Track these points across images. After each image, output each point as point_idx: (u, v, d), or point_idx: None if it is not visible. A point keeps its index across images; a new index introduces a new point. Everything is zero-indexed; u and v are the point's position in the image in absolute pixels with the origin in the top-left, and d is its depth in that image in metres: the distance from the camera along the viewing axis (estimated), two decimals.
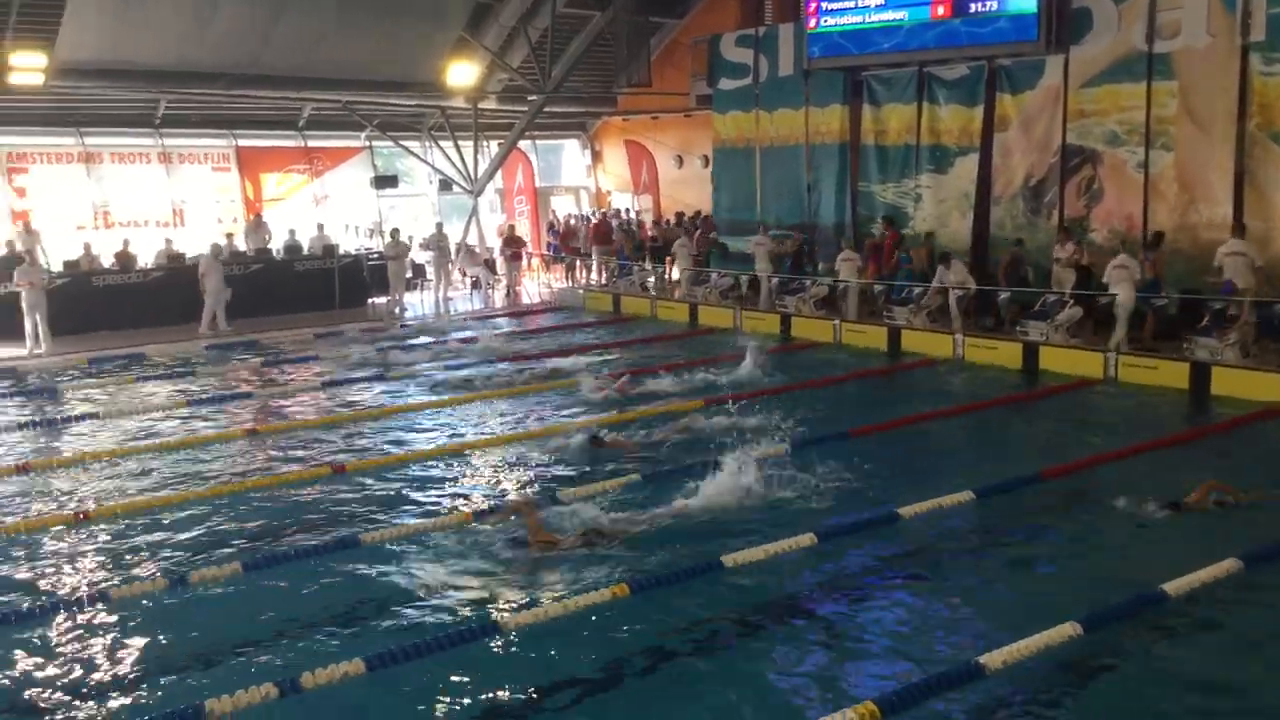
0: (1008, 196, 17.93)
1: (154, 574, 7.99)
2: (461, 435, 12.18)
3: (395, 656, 6.34)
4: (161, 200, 23.73)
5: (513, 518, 8.71)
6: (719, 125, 22.88)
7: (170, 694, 6.21)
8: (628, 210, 28.42)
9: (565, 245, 26.26)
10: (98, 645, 6.93)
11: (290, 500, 9.78)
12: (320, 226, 23.83)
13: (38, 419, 13.22)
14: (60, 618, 7.26)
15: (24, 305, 17.63)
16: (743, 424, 11.86)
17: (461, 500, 9.70)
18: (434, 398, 13.96)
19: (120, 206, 23.18)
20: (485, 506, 9.20)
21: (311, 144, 25.84)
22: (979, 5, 17.13)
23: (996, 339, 15.92)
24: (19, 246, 19.97)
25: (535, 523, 8.39)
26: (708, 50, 22.87)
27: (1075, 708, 6.04)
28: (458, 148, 25.50)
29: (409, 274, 23.32)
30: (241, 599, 7.54)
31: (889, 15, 18.30)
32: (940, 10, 17.56)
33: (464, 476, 10.54)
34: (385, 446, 11.69)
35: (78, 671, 6.58)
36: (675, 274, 22.91)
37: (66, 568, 8.29)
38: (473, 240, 25.77)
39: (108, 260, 20.78)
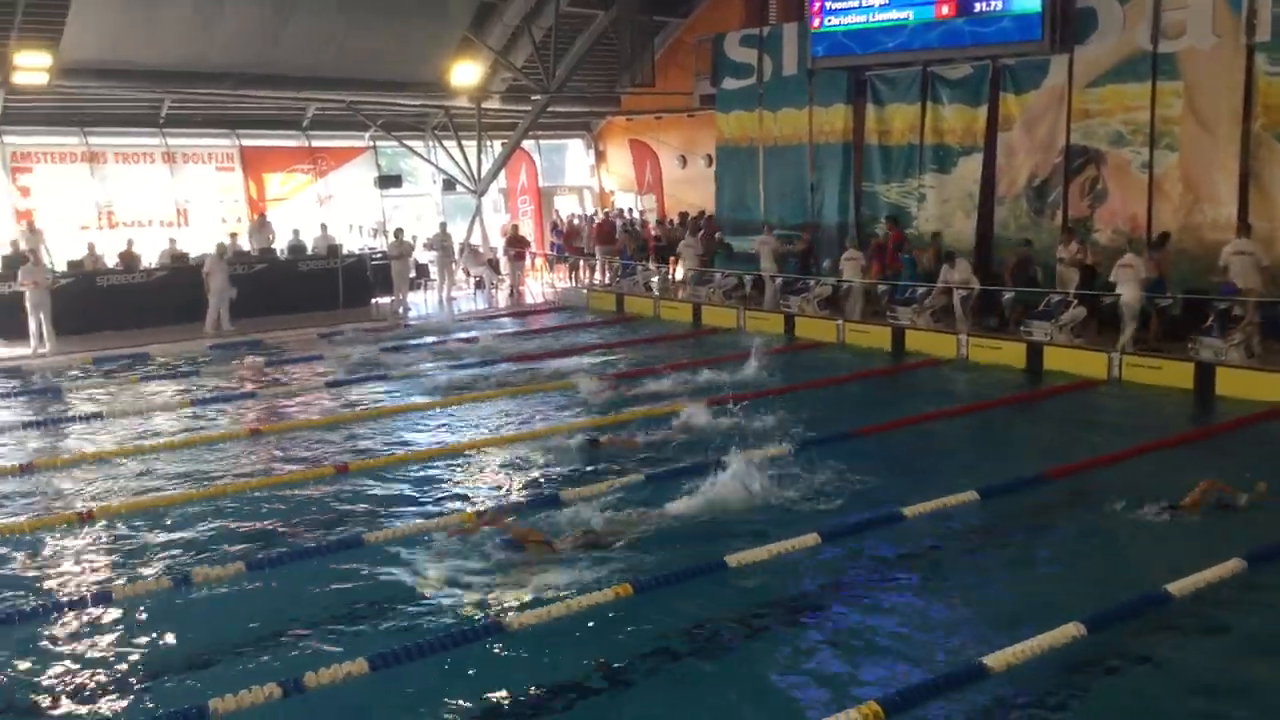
0: (1011, 196, 17.92)
1: (157, 573, 7.99)
2: (464, 435, 12.18)
3: (398, 656, 6.35)
4: (165, 200, 23.74)
5: (486, 528, 8.59)
6: (723, 125, 22.87)
7: (174, 693, 6.22)
8: (631, 210, 28.41)
9: (569, 245, 26.26)
10: (101, 644, 6.93)
11: (293, 500, 9.79)
12: (324, 226, 23.83)
13: (42, 418, 13.24)
14: (64, 617, 7.27)
15: (28, 305, 17.65)
16: (746, 424, 11.89)
17: (464, 500, 9.70)
18: (437, 398, 13.95)
19: (124, 206, 23.19)
20: (458, 523, 8.83)
21: (315, 144, 25.84)
22: (983, 5, 17.11)
23: (1000, 339, 15.90)
24: (23, 246, 20.01)
25: (522, 531, 8.33)
26: (711, 50, 22.87)
27: (1079, 708, 6.03)
28: (461, 147, 25.50)
29: (413, 274, 23.34)
30: (245, 598, 7.55)
31: (893, 15, 18.29)
32: (944, 10, 17.55)
33: (467, 476, 10.55)
34: (388, 446, 11.70)
35: (81, 670, 6.58)
36: (680, 274, 22.92)
37: (70, 567, 8.30)
38: (476, 240, 25.78)
39: (112, 260, 20.79)
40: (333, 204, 25.84)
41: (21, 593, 7.77)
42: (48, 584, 7.95)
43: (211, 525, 9.09)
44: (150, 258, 21.35)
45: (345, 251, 23.01)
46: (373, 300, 22.72)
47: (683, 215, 25.31)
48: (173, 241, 21.90)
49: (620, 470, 10.32)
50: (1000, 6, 16.93)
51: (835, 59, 19.55)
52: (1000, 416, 13.12)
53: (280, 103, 24.23)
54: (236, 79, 21.63)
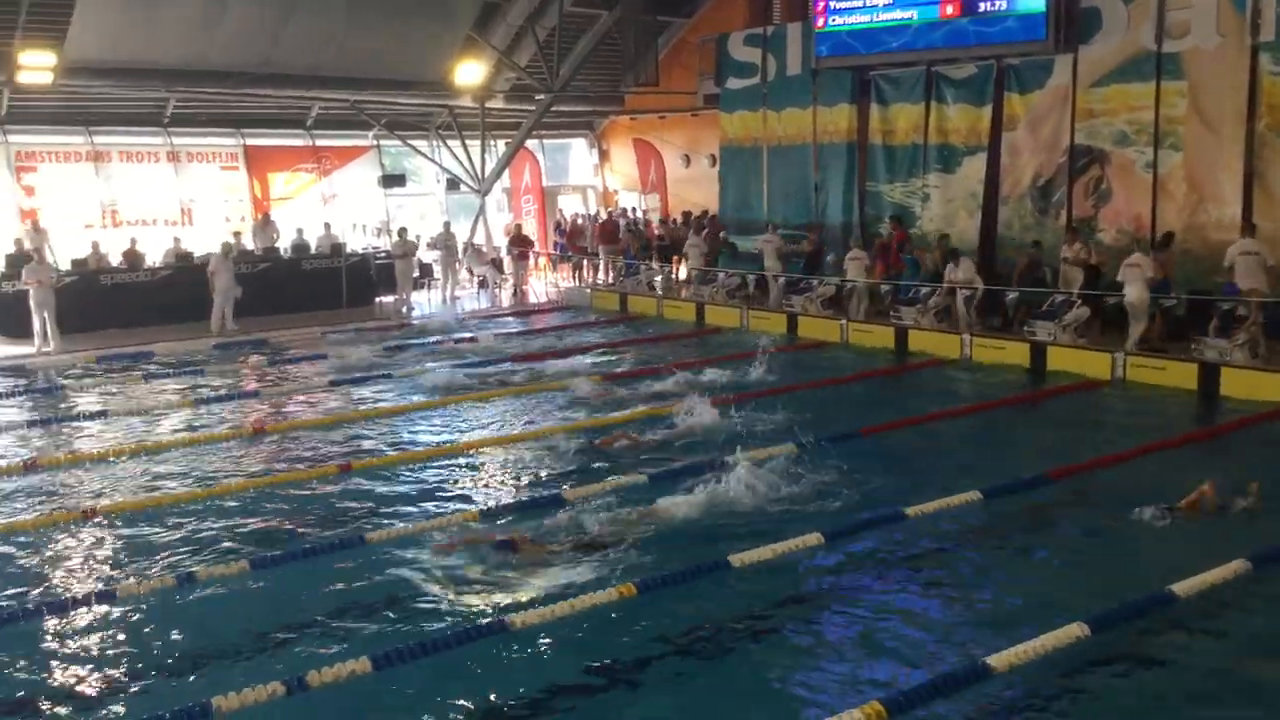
0: (1015, 196, 17.90)
1: (161, 571, 8.00)
2: (467, 435, 12.18)
3: (401, 655, 6.35)
4: (170, 199, 23.77)
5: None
6: (726, 124, 22.87)
7: (178, 691, 6.22)
8: (634, 209, 28.41)
9: (572, 244, 26.27)
10: (105, 642, 6.94)
11: (296, 498, 9.79)
12: (327, 225, 23.87)
13: (45, 417, 13.26)
14: (67, 615, 7.28)
15: (32, 303, 17.68)
16: (749, 423, 11.89)
17: (467, 500, 9.71)
18: (440, 397, 13.95)
19: (128, 205, 23.22)
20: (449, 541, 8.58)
21: (319, 143, 25.87)
22: (987, 5, 17.10)
23: (1004, 339, 15.89)
24: (27, 245, 20.04)
25: (518, 539, 8.30)
26: (715, 49, 22.87)
27: (1082, 709, 6.02)
28: (465, 147, 25.53)
29: (416, 273, 23.35)
30: (248, 597, 7.55)
31: (897, 14, 18.27)
32: (949, 10, 17.53)
33: (470, 476, 10.55)
34: (391, 446, 11.70)
35: (85, 668, 6.59)
36: (683, 273, 22.93)
37: (73, 565, 8.31)
38: (480, 239, 25.80)
39: (116, 259, 20.82)
40: (337, 203, 25.86)
41: (25, 591, 7.78)
42: (51, 582, 7.96)
43: (215, 524, 9.10)
44: (154, 257, 21.39)
45: (349, 251, 23.04)
46: (376, 299, 22.73)
47: (686, 215, 25.31)
48: (177, 240, 21.92)
49: (622, 470, 10.31)
50: (1005, 6, 16.91)
51: (839, 59, 19.53)
52: (1003, 417, 13.10)
53: (284, 102, 24.26)
54: (241, 78, 21.65)
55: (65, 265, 20.07)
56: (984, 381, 14.65)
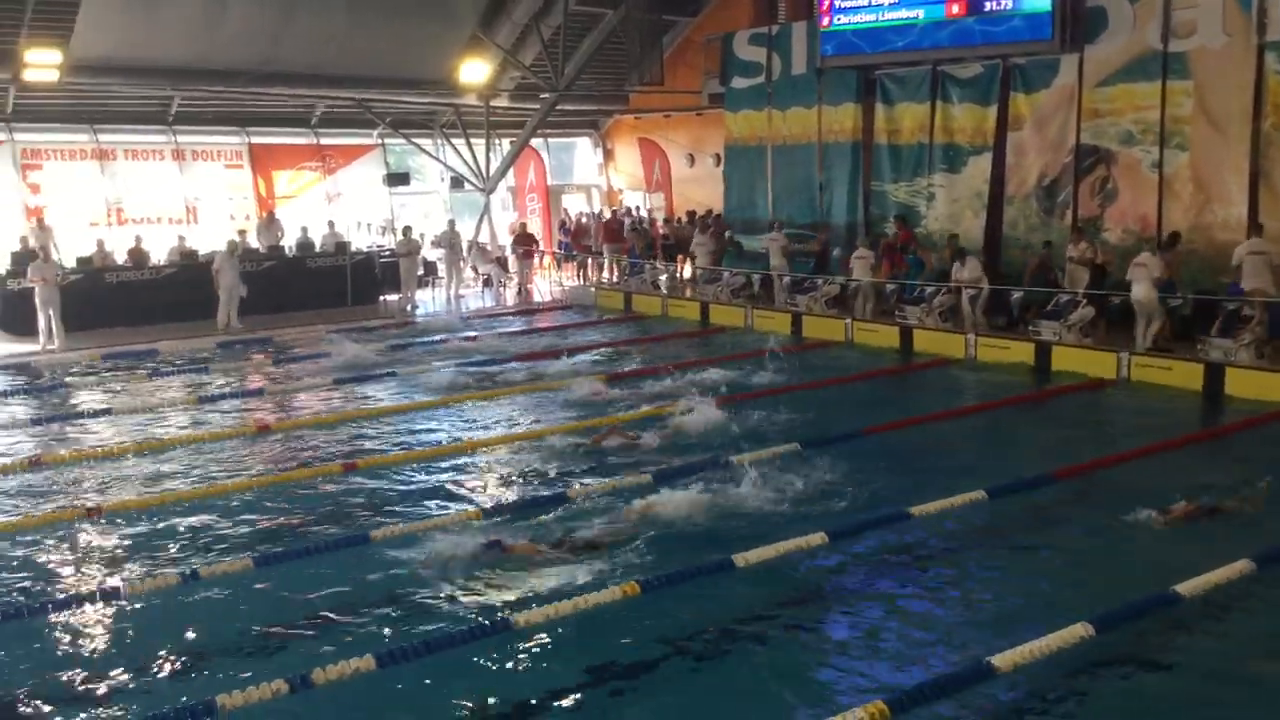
0: (1021, 196, 17.87)
1: (165, 569, 8.00)
2: (471, 433, 12.18)
3: (405, 653, 6.35)
4: (175, 197, 23.81)
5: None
6: (731, 124, 22.85)
7: (182, 689, 6.23)
8: (639, 208, 28.41)
9: (576, 243, 26.26)
10: (109, 640, 6.96)
11: (300, 497, 9.80)
12: (331, 224, 23.89)
13: (50, 414, 13.29)
14: (72, 612, 7.29)
15: (38, 301, 17.70)
16: (753, 423, 11.90)
17: (471, 498, 9.71)
18: (444, 396, 13.95)
19: (133, 203, 23.27)
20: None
21: (324, 141, 25.89)
22: (993, 4, 17.04)
23: (1009, 339, 15.87)
24: (33, 243, 20.02)
25: (516, 548, 8.27)
26: (720, 48, 22.84)
27: (1086, 709, 6.01)
28: (470, 145, 25.53)
29: (421, 271, 23.36)
30: (252, 595, 7.56)
31: (903, 14, 18.23)
32: (954, 9, 17.49)
33: (474, 474, 10.56)
34: (395, 444, 11.71)
35: (89, 666, 6.60)
36: (688, 272, 22.93)
37: (79, 563, 8.32)
38: (484, 238, 25.80)
39: (121, 257, 20.86)
40: (341, 201, 25.89)
41: (29, 588, 7.79)
42: (55, 580, 7.97)
43: (218, 522, 9.11)
44: (159, 255, 21.43)
45: (354, 249, 23.05)
46: (381, 298, 22.75)
47: (690, 214, 25.31)
48: (181, 239, 21.94)
49: (623, 469, 10.31)
50: (1010, 6, 16.87)
51: (844, 58, 19.49)
52: (1008, 416, 13.09)
53: (289, 100, 24.28)
54: (246, 76, 21.68)
55: (70, 263, 20.11)
56: (989, 381, 14.63)
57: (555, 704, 6.08)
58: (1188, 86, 15.67)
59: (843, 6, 19.05)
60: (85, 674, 6.49)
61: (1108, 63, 16.54)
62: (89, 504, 9.54)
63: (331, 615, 7.21)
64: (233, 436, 12.07)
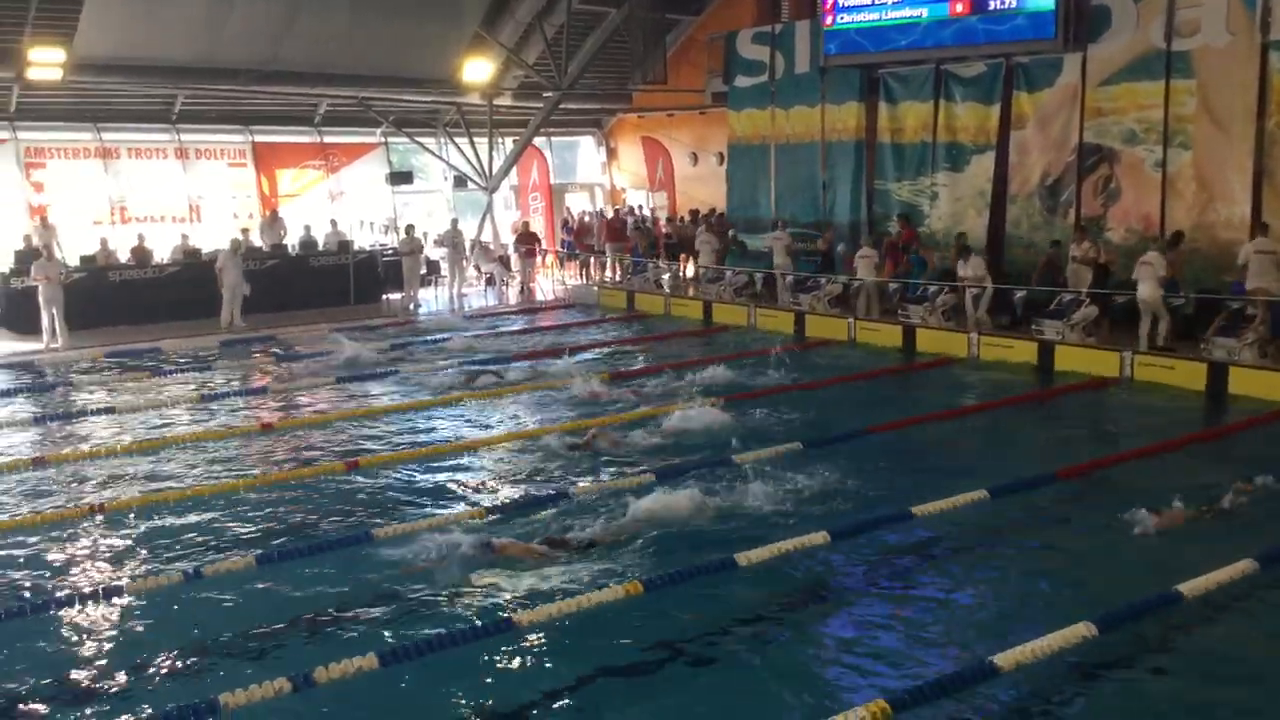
0: (1024, 195, 17.86)
1: (168, 567, 8.01)
2: (473, 432, 12.19)
3: (408, 652, 6.36)
4: (178, 195, 23.83)
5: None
6: (734, 122, 22.84)
7: (184, 687, 6.24)
8: (642, 207, 28.41)
9: (579, 242, 26.26)
10: (111, 638, 6.97)
11: (303, 495, 9.81)
12: (334, 222, 23.90)
13: (54, 413, 13.31)
14: (75, 611, 7.30)
15: (41, 299, 17.72)
16: (755, 422, 11.89)
17: (474, 497, 9.71)
18: (447, 394, 13.96)
19: (137, 201, 23.28)
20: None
21: (327, 140, 25.89)
22: (997, 3, 17.03)
23: (1012, 338, 15.85)
24: (36, 241, 20.07)
25: (507, 548, 8.27)
26: (724, 47, 22.85)
27: (1088, 708, 6.02)
28: (473, 144, 25.54)
29: (424, 270, 23.37)
30: (255, 593, 7.56)
31: (906, 12, 18.21)
32: (958, 8, 17.48)
33: (475, 473, 10.56)
34: (398, 443, 11.71)
35: (92, 664, 6.62)
36: (691, 271, 22.92)
37: (81, 561, 8.33)
38: (487, 237, 25.81)
39: (124, 255, 20.90)
40: (344, 200, 25.91)
41: (32, 586, 7.80)
42: (58, 578, 7.98)
43: (222, 520, 9.12)
44: (162, 253, 21.45)
45: (357, 247, 23.07)
46: (384, 297, 22.78)
47: (693, 213, 25.31)
48: (185, 237, 21.99)
49: (625, 469, 10.31)
50: (1014, 4, 16.85)
51: (848, 57, 19.49)
52: (1011, 416, 13.08)
53: (292, 99, 24.29)
54: (249, 75, 21.70)
55: (74, 261, 20.13)
56: (991, 380, 14.62)
57: (556, 703, 6.08)
58: (1191, 85, 15.66)
59: (846, 5, 19.04)
60: (88, 672, 6.51)
61: (1111, 61, 16.52)
62: (92, 502, 9.55)
63: (334, 614, 7.22)
64: (235, 435, 12.08)
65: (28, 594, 7.62)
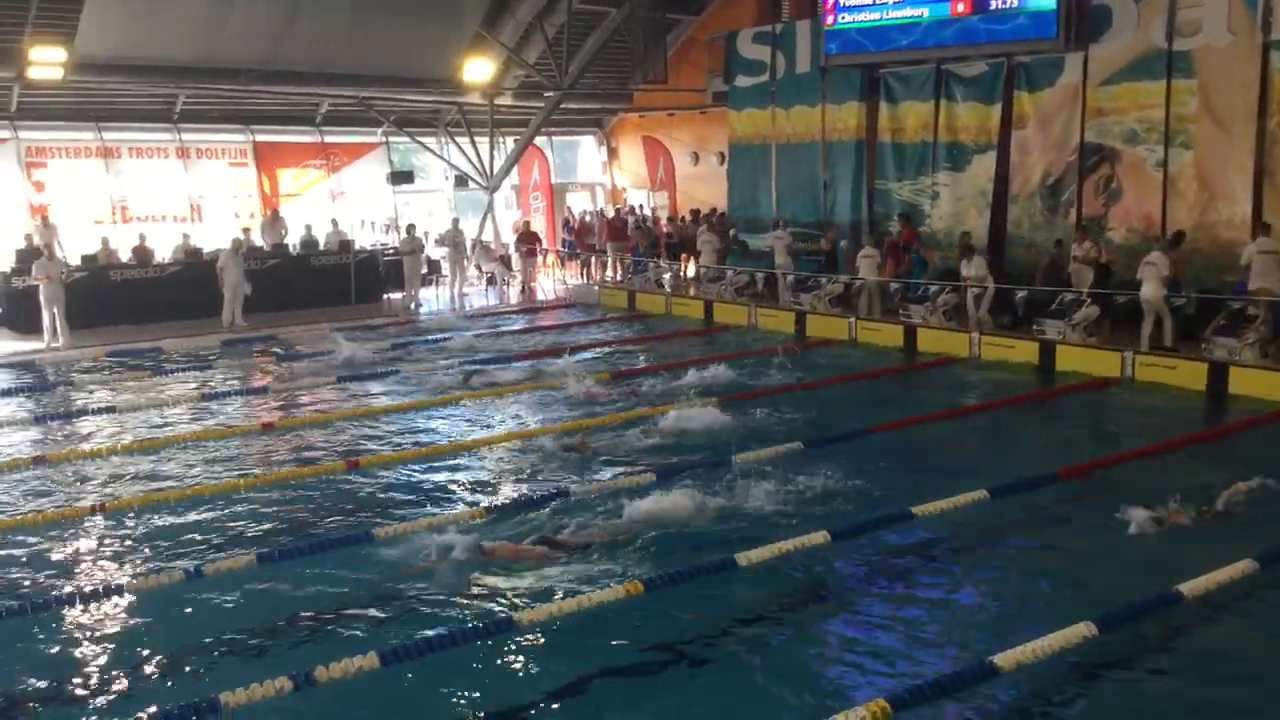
0: (1025, 195, 17.86)
1: (169, 566, 8.01)
2: (474, 432, 12.19)
3: (409, 651, 6.36)
4: (179, 195, 23.83)
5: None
6: (735, 122, 22.84)
7: (185, 686, 6.24)
8: (643, 207, 28.41)
9: (580, 242, 26.26)
10: (113, 637, 6.97)
11: (304, 494, 9.81)
12: (335, 222, 23.90)
13: (55, 412, 13.31)
14: (76, 610, 7.31)
15: (42, 299, 17.72)
16: (757, 422, 11.89)
17: (473, 497, 9.71)
18: (447, 394, 13.97)
19: (138, 201, 23.28)
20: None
21: (328, 139, 25.89)
22: (998, 2, 17.03)
23: (1013, 338, 15.85)
24: (38, 240, 20.08)
25: (498, 550, 8.22)
26: (724, 47, 22.85)
27: (1089, 708, 6.02)
28: (474, 144, 25.54)
29: (424, 269, 23.37)
30: (256, 592, 7.56)
31: (907, 12, 18.21)
32: (959, 7, 17.48)
33: (476, 473, 10.56)
34: (398, 442, 11.71)
35: (94, 663, 6.62)
36: (692, 270, 22.90)
37: (82, 560, 8.34)
38: (488, 236, 25.81)
39: (125, 254, 20.91)
40: (345, 200, 25.91)
41: (33, 586, 7.80)
42: (59, 577, 7.98)
43: (223, 519, 9.13)
44: (164, 252, 21.46)
45: (358, 247, 23.07)
46: (385, 296, 22.79)
47: (694, 212, 25.31)
48: (186, 236, 21.99)
49: (626, 469, 10.31)
50: (1015, 4, 16.84)
51: (848, 56, 19.48)
52: (1012, 416, 13.07)
53: (293, 98, 24.29)
54: (250, 75, 21.70)
55: (75, 261, 20.13)
56: (993, 380, 14.61)
57: (556, 703, 6.08)
58: (1192, 85, 15.66)
59: (847, 5, 19.03)
60: (88, 671, 6.51)
61: (1112, 61, 16.52)
62: (93, 502, 9.55)
63: (335, 613, 7.22)
64: (236, 434, 12.09)
65: (28, 593, 7.62)
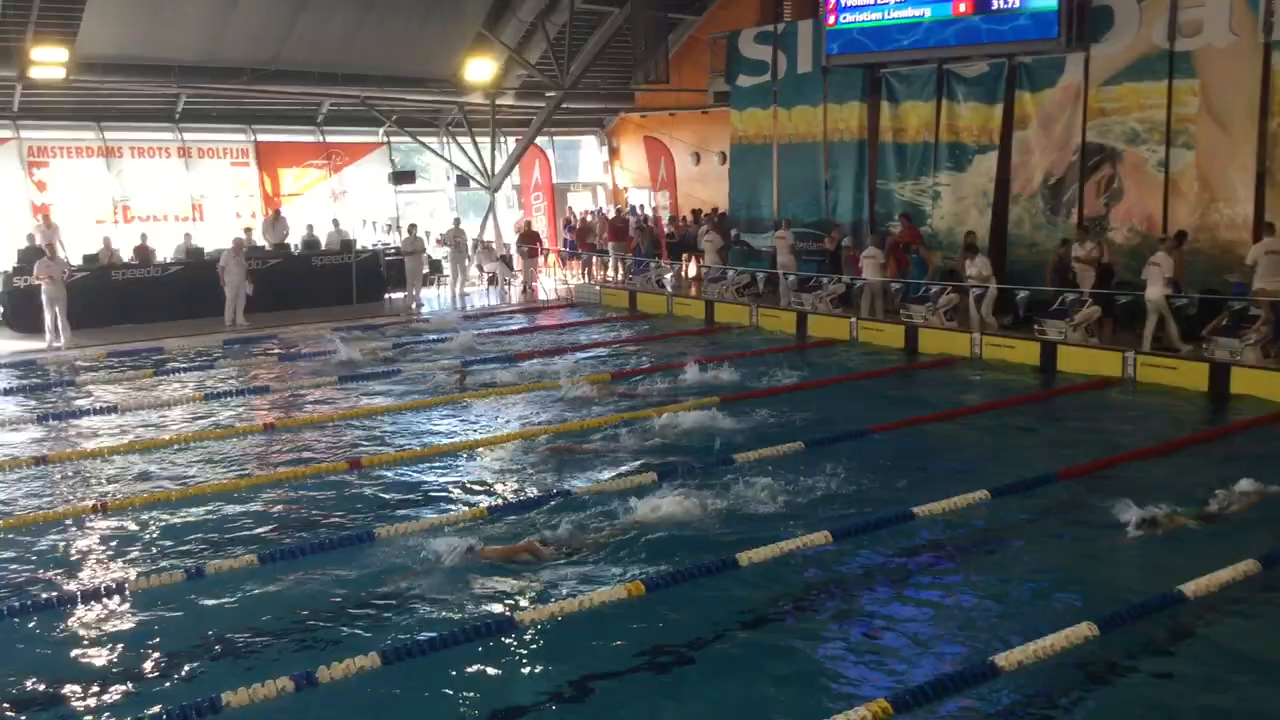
0: (1027, 195, 17.84)
1: (170, 566, 8.02)
2: (475, 432, 12.20)
3: (410, 650, 6.37)
4: (181, 195, 23.84)
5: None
6: (736, 122, 22.83)
7: (187, 686, 6.25)
8: (644, 207, 28.41)
9: (581, 242, 26.26)
10: (114, 636, 6.97)
11: (305, 494, 9.82)
12: (336, 222, 23.90)
13: (56, 412, 13.32)
14: (77, 609, 7.31)
15: (44, 298, 17.75)
16: (758, 422, 11.89)
17: (473, 498, 9.72)
18: (448, 394, 13.97)
19: (140, 201, 23.29)
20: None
21: (330, 139, 25.90)
22: (1000, 2, 17.02)
23: (1014, 338, 15.84)
24: (39, 240, 20.11)
25: (488, 552, 8.18)
26: (726, 47, 22.83)
27: (1090, 708, 6.02)
28: (475, 144, 25.54)
29: (426, 269, 23.38)
30: (257, 592, 7.57)
31: (909, 12, 18.19)
32: (961, 7, 17.46)
33: (479, 473, 10.57)
34: (400, 442, 11.72)
35: (95, 663, 6.63)
36: (694, 270, 22.88)
37: (83, 559, 8.34)
38: (489, 236, 25.82)
39: (127, 254, 20.92)
40: (347, 199, 25.91)
41: (35, 585, 7.81)
42: (60, 576, 7.99)
43: (224, 519, 9.13)
44: (165, 252, 21.48)
45: (359, 247, 23.08)
46: (386, 296, 22.80)
47: (695, 212, 25.31)
48: (188, 236, 21.99)
49: (626, 468, 10.30)
50: (1017, 4, 16.83)
51: (850, 56, 19.47)
52: (1013, 416, 13.05)
53: (295, 98, 24.29)
54: (252, 74, 21.71)
55: (77, 260, 20.15)
56: (994, 380, 14.61)
57: (556, 703, 6.08)
58: (1194, 85, 15.64)
59: (848, 5, 19.02)
60: (89, 671, 6.52)
61: (1114, 61, 16.51)
62: (93, 501, 9.56)
63: (337, 613, 7.23)
64: (238, 434, 12.09)
65: (29, 592, 7.63)
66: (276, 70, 21.92)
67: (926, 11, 17.92)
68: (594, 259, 25.68)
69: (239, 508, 9.40)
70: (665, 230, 25.76)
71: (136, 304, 19.84)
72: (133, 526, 8.96)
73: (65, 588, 7.71)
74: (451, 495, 9.77)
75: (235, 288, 19.51)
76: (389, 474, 10.42)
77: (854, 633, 6.94)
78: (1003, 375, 14.85)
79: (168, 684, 6.34)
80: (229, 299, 19.51)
